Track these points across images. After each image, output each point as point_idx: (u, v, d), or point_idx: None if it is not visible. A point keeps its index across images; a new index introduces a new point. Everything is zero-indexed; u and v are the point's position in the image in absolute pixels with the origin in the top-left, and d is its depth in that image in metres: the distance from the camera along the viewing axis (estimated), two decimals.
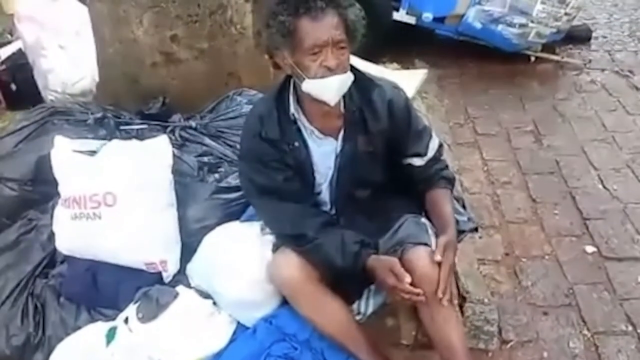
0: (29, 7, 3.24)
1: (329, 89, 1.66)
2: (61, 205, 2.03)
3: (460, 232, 1.96)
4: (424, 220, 1.92)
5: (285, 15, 1.60)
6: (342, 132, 1.79)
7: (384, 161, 1.85)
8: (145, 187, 1.98)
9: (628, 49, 4.54)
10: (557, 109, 3.79)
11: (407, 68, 4.09)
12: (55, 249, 2.12)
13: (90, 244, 2.00)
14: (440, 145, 1.91)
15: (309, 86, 1.67)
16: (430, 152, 1.86)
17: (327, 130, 1.80)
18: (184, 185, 2.16)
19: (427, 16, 4.21)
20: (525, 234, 2.78)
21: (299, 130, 1.80)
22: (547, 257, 2.65)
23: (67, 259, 2.10)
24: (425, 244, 1.78)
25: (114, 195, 1.94)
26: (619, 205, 2.92)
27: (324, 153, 1.82)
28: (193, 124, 2.36)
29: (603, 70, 4.24)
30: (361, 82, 1.76)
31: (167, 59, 2.48)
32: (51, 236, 2.11)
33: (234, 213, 2.15)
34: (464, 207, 2.10)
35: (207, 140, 2.32)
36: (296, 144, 1.79)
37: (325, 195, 1.89)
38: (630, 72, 4.16)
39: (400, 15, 4.30)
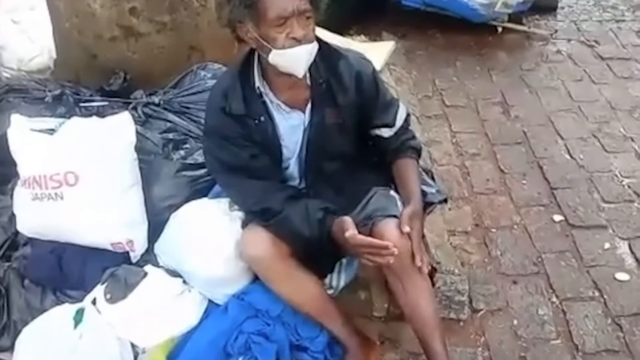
0: None
1: (298, 59, 1.63)
2: (21, 186, 1.96)
3: (430, 204, 1.97)
4: (392, 193, 1.92)
5: None
6: (309, 105, 1.76)
7: (352, 133, 1.83)
8: (107, 165, 1.92)
9: (593, 18, 4.55)
10: (525, 80, 3.80)
11: (375, 40, 4.05)
12: (17, 231, 2.05)
13: (54, 225, 1.95)
14: (408, 115, 1.90)
15: (275, 58, 1.62)
16: (399, 122, 1.85)
17: (293, 103, 1.77)
18: (148, 163, 2.11)
19: None
20: (494, 204, 2.80)
21: (265, 104, 1.76)
22: (515, 226, 2.67)
23: (30, 240, 2.04)
24: (395, 216, 1.77)
25: (76, 175, 1.88)
26: (586, 174, 2.95)
27: (291, 127, 1.79)
28: (156, 100, 2.30)
29: (569, 40, 4.25)
30: (327, 53, 1.73)
31: (126, 32, 2.40)
32: (12, 218, 2.05)
33: (201, 190, 2.11)
34: (432, 178, 2.09)
35: (171, 117, 2.26)
36: (262, 118, 1.75)
37: (293, 169, 1.86)
38: (596, 41, 4.18)
39: None
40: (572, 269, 2.43)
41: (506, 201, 2.82)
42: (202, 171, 2.12)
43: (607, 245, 2.55)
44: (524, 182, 2.94)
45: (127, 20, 2.37)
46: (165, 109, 2.27)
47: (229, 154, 1.77)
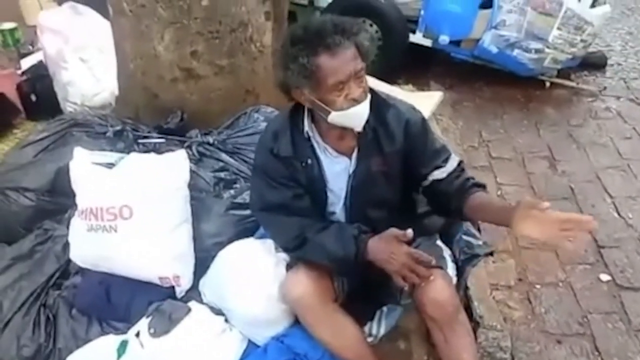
0: (53, 20, 3.29)
1: (358, 117, 1.67)
2: (78, 216, 2.04)
3: (476, 256, 1.96)
4: (439, 242, 1.93)
5: (305, 56, 1.58)
6: (355, 152, 1.78)
7: (399, 182, 1.84)
8: (161, 201, 1.99)
9: None
10: (572, 135, 3.78)
11: (422, 90, 4.11)
12: (69, 260, 2.13)
13: (105, 257, 2.01)
14: (461, 161, 1.86)
15: (335, 119, 1.67)
16: (451, 165, 1.81)
17: (341, 149, 1.80)
18: (199, 200, 2.17)
19: (444, 39, 4.22)
20: (539, 259, 2.76)
21: (312, 147, 1.80)
22: (560, 284, 2.62)
23: (80, 270, 2.11)
24: (440, 268, 1.78)
25: (131, 209, 1.95)
26: (634, 234, 2.89)
27: (337, 172, 1.82)
28: (210, 139, 2.37)
29: (618, 97, 4.22)
30: (376, 101, 1.75)
31: (186, 74, 2.50)
32: (66, 247, 2.12)
33: (248, 229, 2.16)
34: (479, 230, 2.09)
35: (224, 156, 2.33)
36: (309, 161, 1.78)
37: (340, 215, 1.88)
38: None
39: (416, 38, 4.32)
40: (619, 331, 2.36)
41: (551, 257, 2.77)
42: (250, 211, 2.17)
43: None
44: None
45: (188, 63, 2.47)
46: (218, 148, 2.34)
47: (272, 192, 1.81)
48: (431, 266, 1.72)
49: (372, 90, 1.75)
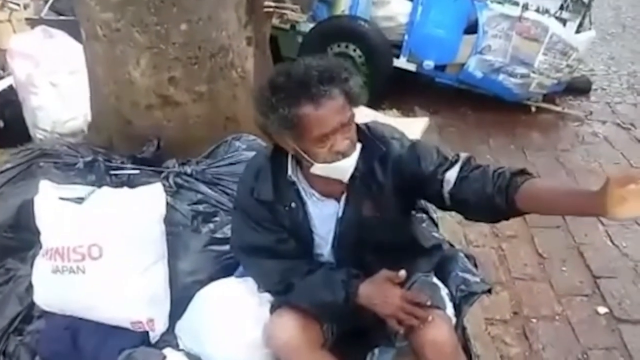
0: (23, 43, 3.15)
1: (342, 171, 1.55)
2: (42, 256, 1.88)
3: (473, 294, 1.84)
4: (435, 280, 1.80)
5: (286, 107, 1.44)
6: (344, 195, 1.64)
7: (392, 223, 1.68)
8: (134, 238, 1.84)
9: (627, 101, 4.50)
10: (560, 161, 3.71)
11: (407, 115, 4.03)
12: (32, 303, 1.96)
13: (72, 300, 1.85)
14: (471, 156, 1.61)
15: (318, 170, 1.54)
16: (462, 160, 1.57)
17: (329, 193, 1.65)
18: (176, 236, 2.03)
19: (429, 64, 4.16)
20: (533, 291, 2.65)
21: (297, 190, 1.65)
22: (557, 317, 2.51)
23: (45, 314, 1.94)
24: (438, 307, 1.66)
25: (100, 248, 1.80)
26: (629, 263, 2.80)
27: (324, 216, 1.68)
28: (188, 169, 2.24)
29: (604, 122, 4.18)
30: (367, 144, 1.58)
31: (163, 101, 2.38)
32: (29, 288, 1.96)
33: (229, 266, 2.02)
34: (475, 265, 1.97)
35: (203, 188, 2.19)
36: (293, 204, 1.65)
37: (328, 257, 1.74)
38: (632, 124, 4.11)
39: (400, 62, 4.25)
40: None
41: (546, 288, 2.67)
42: None
43: None
44: (564, 268, 2.79)
45: (165, 89, 2.34)
46: (197, 179, 2.20)
47: (254, 235, 1.68)
48: (429, 306, 1.61)
49: (363, 132, 1.60)
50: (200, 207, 2.14)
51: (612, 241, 2.95)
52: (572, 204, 1.36)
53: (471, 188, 1.51)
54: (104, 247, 1.80)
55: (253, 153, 2.35)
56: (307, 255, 1.73)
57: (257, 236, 1.67)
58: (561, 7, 4.11)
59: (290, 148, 1.55)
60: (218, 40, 2.38)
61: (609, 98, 4.55)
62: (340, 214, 1.66)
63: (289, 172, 1.63)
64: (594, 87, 4.67)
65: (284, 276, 1.67)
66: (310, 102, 1.44)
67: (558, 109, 4.30)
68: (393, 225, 1.69)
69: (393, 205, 1.65)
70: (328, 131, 1.46)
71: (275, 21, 4.34)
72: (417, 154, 1.60)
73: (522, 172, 1.49)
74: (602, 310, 2.54)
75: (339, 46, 4.21)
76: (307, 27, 4.33)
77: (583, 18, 4.14)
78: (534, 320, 2.49)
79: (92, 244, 1.80)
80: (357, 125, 1.58)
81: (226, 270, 2.00)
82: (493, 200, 1.47)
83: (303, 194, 1.66)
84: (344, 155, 1.51)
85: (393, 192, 1.63)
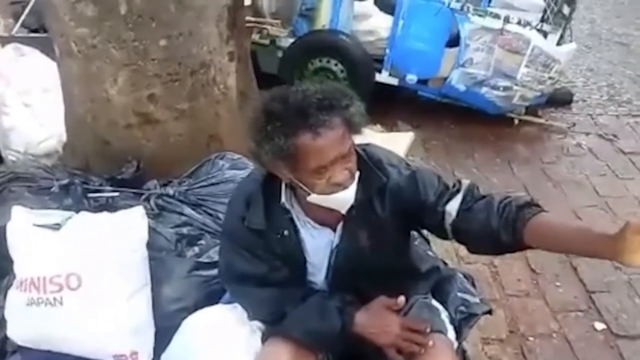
0: None
1: (341, 203, 1.45)
2: (16, 288, 1.75)
3: (473, 316, 1.77)
4: (435, 302, 1.72)
5: (282, 137, 1.33)
6: (340, 224, 1.54)
7: (389, 251, 1.59)
8: (115, 266, 1.72)
9: (609, 112, 4.51)
10: (547, 173, 3.68)
11: (391, 130, 3.98)
12: (6, 338, 1.82)
13: (49, 333, 1.72)
14: (474, 184, 1.53)
15: (315, 200, 1.44)
16: (464, 190, 1.48)
17: (324, 221, 1.55)
18: (159, 261, 1.92)
19: (411, 78, 4.12)
20: (528, 308, 2.59)
21: (291, 218, 1.55)
22: (554, 334, 2.45)
23: (20, 349, 1.81)
24: (440, 331, 1.58)
25: (79, 277, 1.68)
26: (623, 276, 2.75)
27: (318, 244, 1.58)
28: (170, 191, 2.14)
29: (587, 133, 4.18)
30: (366, 173, 1.48)
31: (143, 119, 2.27)
32: (2, 322, 1.82)
33: (215, 292, 1.90)
34: (473, 285, 1.90)
35: (186, 209, 2.10)
36: (285, 232, 1.54)
37: (322, 285, 1.65)
38: (615, 136, 4.11)
39: (382, 77, 4.21)
40: None
41: (541, 305, 2.61)
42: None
43: None
44: (558, 283, 2.74)
45: (145, 107, 2.24)
46: (180, 201, 2.11)
47: (243, 263, 1.58)
48: (430, 331, 1.53)
49: (363, 160, 1.49)
50: (184, 230, 2.04)
51: None
52: (585, 245, 1.28)
53: (475, 221, 1.42)
54: (82, 276, 1.68)
55: (238, 172, 2.29)
56: (300, 283, 1.63)
57: (248, 265, 1.57)
58: (542, 20, 4.12)
59: (285, 177, 1.46)
60: (199, 56, 2.29)
61: (591, 110, 4.56)
62: (335, 244, 1.57)
63: (283, 199, 1.54)
64: (575, 98, 4.68)
65: (277, 305, 1.57)
66: (308, 132, 1.33)
67: (541, 121, 4.29)
68: (390, 253, 1.60)
69: (391, 235, 1.57)
70: (326, 163, 1.36)
71: (254, 36, 4.29)
72: (416, 184, 1.51)
73: (529, 204, 1.41)
74: (600, 326, 2.48)
75: (320, 61, 4.16)
76: (287, 42, 4.28)
77: (564, 30, 4.14)
78: (531, 338, 2.43)
79: (70, 273, 1.68)
80: (357, 153, 1.47)
81: (212, 296, 1.88)
82: (499, 235, 1.38)
83: (297, 221, 1.56)
84: (343, 186, 1.41)
85: (391, 221, 1.54)
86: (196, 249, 2.00)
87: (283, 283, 1.59)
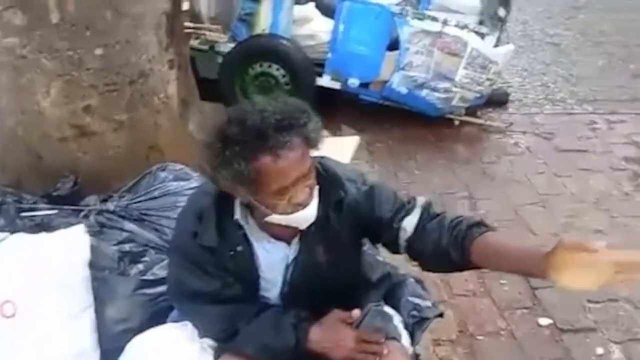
0: None
1: (302, 221, 1.42)
2: None
3: (425, 320, 1.78)
4: (388, 309, 1.72)
5: (242, 161, 1.29)
6: (297, 239, 1.52)
7: (345, 265, 1.58)
8: (55, 289, 1.64)
9: (544, 111, 4.64)
10: (487, 173, 3.76)
11: (335, 134, 3.97)
12: None
13: None
14: (430, 202, 1.54)
15: (275, 220, 1.41)
16: (419, 207, 1.49)
17: (279, 236, 1.52)
18: (102, 281, 1.84)
19: (353, 82, 4.13)
20: (476, 308, 2.63)
21: (245, 234, 1.51)
22: (502, 332, 2.49)
23: None
24: (395, 338, 1.58)
25: (14, 304, 1.59)
26: None
27: (273, 260, 1.55)
28: (111, 206, 2.05)
29: (524, 132, 4.29)
30: (323, 187, 1.46)
31: (78, 132, 2.18)
32: None
33: (162, 310, 1.84)
34: (424, 289, 1.91)
35: (129, 225, 2.01)
36: (239, 248, 1.50)
37: (275, 300, 1.61)
38: (551, 134, 4.24)
39: (324, 81, 4.20)
40: None
41: (488, 304, 2.66)
42: (164, 287, 1.86)
43: (600, 351, 2.40)
44: (503, 281, 2.79)
45: (80, 119, 2.15)
46: (121, 216, 2.02)
47: (195, 280, 1.52)
48: (386, 338, 1.53)
49: (321, 174, 1.47)
50: (127, 247, 1.95)
51: None
52: (520, 264, 1.30)
53: (428, 239, 1.44)
54: (18, 304, 1.59)
55: (181, 183, 2.22)
56: (253, 299, 1.59)
57: (200, 282, 1.52)
58: (479, 22, 4.21)
59: (244, 199, 1.42)
60: (138, 65, 2.22)
61: (527, 109, 4.68)
62: (291, 259, 1.54)
63: (237, 215, 1.49)
64: (511, 98, 4.79)
65: (229, 321, 1.53)
66: (269, 155, 1.29)
67: (480, 121, 4.38)
68: (345, 267, 1.59)
69: (346, 249, 1.56)
70: (288, 184, 1.33)
71: (193, 42, 4.20)
72: (373, 199, 1.51)
73: (479, 223, 1.42)
74: (545, 321, 2.54)
75: (261, 66, 4.13)
76: (227, 47, 4.21)
77: (500, 32, 4.25)
78: (480, 337, 2.46)
79: (4, 300, 1.58)
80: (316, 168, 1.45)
81: (159, 315, 1.82)
82: (449, 253, 1.40)
83: (250, 236, 1.52)
84: (304, 205, 1.39)
85: (347, 236, 1.53)
86: (140, 266, 1.92)
87: (236, 299, 1.54)
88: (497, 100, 4.65)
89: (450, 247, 1.40)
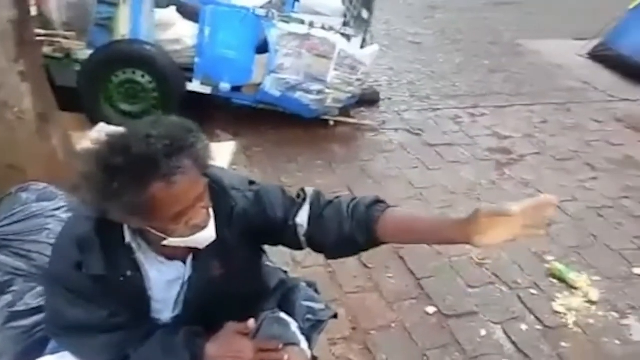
0: None
1: (201, 241, 1.35)
2: None
3: (320, 322, 1.77)
4: (283, 315, 1.68)
5: (133, 193, 1.20)
6: (190, 256, 1.44)
7: (242, 276, 1.51)
8: None
9: (413, 108, 4.84)
10: (365, 170, 3.85)
11: (211, 140, 3.81)
12: None
13: None
14: (319, 191, 1.50)
15: (173, 244, 1.32)
16: (309, 198, 1.46)
17: (173, 255, 1.43)
18: None
19: (225, 86, 4.04)
20: (366, 303, 2.67)
21: (134, 258, 1.40)
22: (393, 324, 2.55)
23: None
24: (293, 344, 1.55)
25: None
26: (445, 260, 2.96)
27: (166, 280, 1.45)
28: None
29: (396, 130, 4.44)
30: (213, 200, 1.38)
31: None
32: None
33: (38, 342, 1.68)
34: (316, 292, 1.89)
35: None
36: (129, 273, 1.39)
37: (168, 322, 1.51)
38: (420, 130, 4.43)
39: (194, 86, 4.07)
40: None
41: (377, 298, 2.71)
42: (38, 317, 1.70)
43: (483, 332, 2.53)
44: (390, 275, 2.86)
45: None
46: None
47: (78, 311, 1.39)
48: (284, 344, 1.50)
49: (210, 187, 1.37)
50: None
51: None
52: (437, 232, 1.33)
53: (328, 229, 1.41)
54: None
55: (46, 204, 2.04)
56: (143, 322, 1.48)
57: (84, 313, 1.39)
58: (344, 24, 4.29)
59: (136, 226, 1.32)
60: None
61: (396, 107, 4.86)
62: (186, 277, 1.45)
63: (128, 239, 1.38)
64: (381, 97, 4.95)
65: (117, 349, 1.41)
66: (161, 182, 1.20)
67: (354, 121, 4.47)
68: (243, 278, 1.52)
69: (243, 260, 1.50)
70: (184, 208, 1.25)
71: (46, 49, 3.90)
72: (262, 203, 1.45)
73: (376, 201, 1.42)
74: (431, 309, 2.64)
75: (124, 73, 3.92)
76: (84, 54, 3.96)
77: (365, 34, 4.36)
78: (373, 332, 2.50)
79: None
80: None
81: (36, 347, 1.65)
82: (354, 238, 1.39)
83: (142, 258, 1.41)
84: (202, 227, 1.31)
85: (242, 247, 1.47)
86: (8, 297, 1.75)
87: (124, 326, 1.43)
88: (368, 100, 4.79)
89: (355, 231, 1.38)
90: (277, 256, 2.35)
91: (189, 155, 1.24)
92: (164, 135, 1.22)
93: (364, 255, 2.92)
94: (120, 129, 1.28)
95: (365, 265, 2.90)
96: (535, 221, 1.21)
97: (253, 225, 1.45)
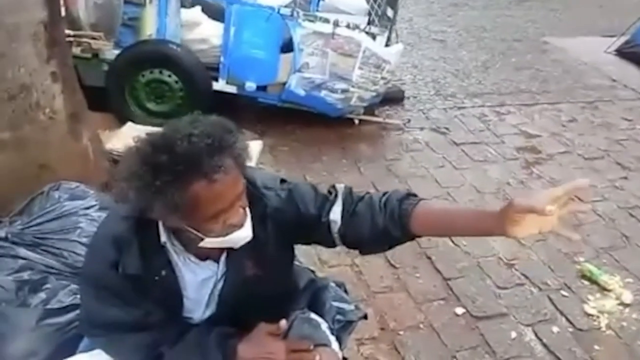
0: None
1: (237, 241, 1.35)
2: None
3: (350, 323, 1.77)
4: (314, 316, 1.67)
5: (174, 191, 1.20)
6: (224, 256, 1.45)
7: (275, 276, 1.51)
8: None
9: (437, 107, 4.80)
10: (391, 169, 3.82)
11: None
12: None
13: None
14: (350, 188, 1.49)
15: (209, 244, 1.33)
16: (340, 193, 1.44)
17: (207, 255, 1.44)
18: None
19: (251, 86, 4.05)
20: (394, 303, 2.65)
21: (169, 258, 1.41)
22: (421, 325, 2.53)
23: None
24: (324, 344, 1.55)
25: None
26: (473, 261, 2.93)
27: (200, 280, 1.46)
28: (2, 232, 1.86)
29: (422, 128, 4.41)
30: (249, 200, 1.38)
31: None
32: None
33: (72, 340, 1.70)
34: (346, 292, 1.89)
35: (24, 252, 1.86)
36: (164, 272, 1.40)
37: (200, 321, 1.52)
38: (446, 128, 4.39)
39: (220, 85, 4.09)
40: None
41: (405, 298, 2.69)
42: (72, 314, 1.72)
43: (513, 335, 2.50)
44: (417, 275, 2.84)
45: None
46: (15, 242, 1.86)
47: (114, 311, 1.40)
48: (315, 345, 1.49)
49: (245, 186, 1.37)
50: (25, 275, 1.79)
51: (453, 242, 3.05)
52: (471, 224, 1.31)
53: (361, 224, 1.40)
54: None
55: (78, 202, 2.06)
56: (176, 321, 1.49)
57: (120, 312, 1.40)
58: (369, 23, 4.27)
59: (175, 225, 1.33)
60: (17, 78, 2.05)
61: (421, 105, 4.82)
62: (219, 276, 1.46)
63: (163, 239, 1.38)
64: (405, 95, 4.91)
65: (152, 348, 1.42)
66: (204, 181, 1.21)
67: (379, 119, 4.44)
68: (276, 277, 1.52)
69: (276, 259, 1.49)
70: (223, 207, 1.26)
71: (74, 49, 3.94)
72: (295, 201, 1.44)
73: (408, 195, 1.41)
74: (460, 310, 2.61)
75: (151, 72, 3.93)
76: (112, 54, 3.99)
77: (390, 32, 4.33)
78: (401, 332, 2.49)
79: None
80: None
81: (69, 344, 1.67)
82: (388, 232, 1.37)
83: (176, 258, 1.42)
84: (239, 226, 1.32)
85: (276, 246, 1.46)
86: (42, 294, 1.77)
87: (158, 325, 1.43)
88: (393, 98, 4.75)
89: (388, 226, 1.37)
90: (302, 256, 2.37)
91: (230, 154, 1.25)
92: (206, 134, 1.23)
93: (391, 255, 2.92)
94: (160, 129, 1.29)
95: (392, 265, 2.88)
96: (569, 209, 1.20)
97: (286, 223, 1.44)
